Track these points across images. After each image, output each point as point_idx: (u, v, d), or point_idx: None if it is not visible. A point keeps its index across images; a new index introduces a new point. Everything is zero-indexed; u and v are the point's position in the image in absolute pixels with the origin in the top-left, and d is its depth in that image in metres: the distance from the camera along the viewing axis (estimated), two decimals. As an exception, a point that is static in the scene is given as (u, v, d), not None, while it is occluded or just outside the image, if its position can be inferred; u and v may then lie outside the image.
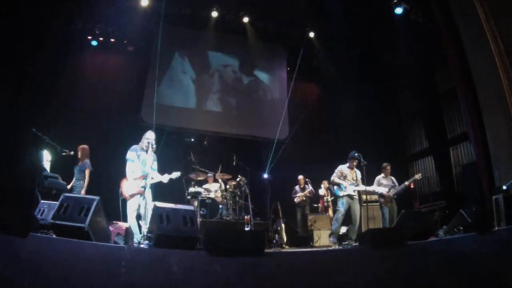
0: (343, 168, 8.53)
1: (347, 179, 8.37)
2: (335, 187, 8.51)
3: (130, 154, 7.23)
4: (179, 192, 10.00)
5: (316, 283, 4.47)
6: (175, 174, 7.51)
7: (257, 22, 12.70)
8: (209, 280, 4.11)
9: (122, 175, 7.45)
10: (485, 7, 8.00)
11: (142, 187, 6.97)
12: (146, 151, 7.19)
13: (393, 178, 9.39)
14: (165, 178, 7.38)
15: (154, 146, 7.32)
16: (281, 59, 14.67)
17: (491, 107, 7.97)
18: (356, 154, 8.39)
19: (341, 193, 8.28)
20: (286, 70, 14.72)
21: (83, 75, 12.48)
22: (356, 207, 8.22)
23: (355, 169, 8.54)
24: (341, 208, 8.16)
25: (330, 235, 8.34)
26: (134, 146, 7.37)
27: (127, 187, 7.01)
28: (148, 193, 7.03)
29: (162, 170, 9.39)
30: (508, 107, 7.46)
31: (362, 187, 8.31)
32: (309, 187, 11.39)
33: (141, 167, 7.18)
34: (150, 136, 7.32)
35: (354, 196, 8.24)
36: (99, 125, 12.19)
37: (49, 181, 7.56)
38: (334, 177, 8.47)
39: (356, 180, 8.42)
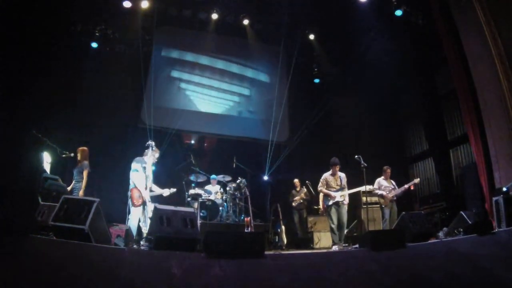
0: (326, 176, 8.79)
1: (331, 186, 8.63)
2: (324, 196, 8.79)
3: (136, 165, 7.72)
4: (179, 194, 10.00)
5: (316, 285, 4.47)
6: (173, 190, 8.36)
7: (257, 24, 12.71)
8: (209, 282, 4.11)
9: (126, 180, 7.89)
10: (485, 9, 8.01)
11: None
12: (153, 164, 7.81)
13: (392, 181, 9.48)
14: (166, 192, 8.13)
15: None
16: (281, 61, 14.65)
17: (491, 108, 7.97)
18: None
19: (329, 203, 8.53)
20: (286, 72, 14.71)
21: (83, 77, 12.47)
22: (343, 211, 8.47)
23: (339, 173, 8.75)
24: (333, 219, 8.41)
25: (332, 245, 8.42)
26: (139, 158, 7.87)
27: (138, 195, 7.53)
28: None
29: (162, 172, 9.44)
30: (507, 108, 7.47)
31: (346, 191, 8.61)
32: (304, 190, 11.40)
33: (145, 178, 7.63)
34: (157, 154, 7.97)
35: (341, 202, 8.48)
36: (99, 127, 12.17)
37: (49, 183, 7.57)
38: (322, 188, 8.74)
39: (341, 185, 8.66)
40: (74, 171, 8.47)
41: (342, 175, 8.77)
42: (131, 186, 7.66)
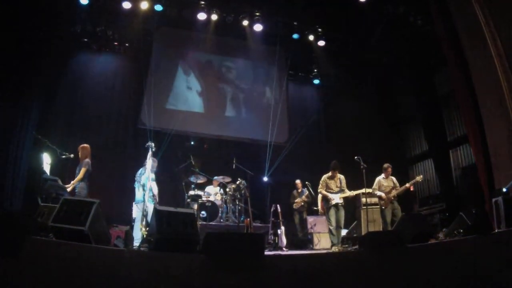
0: (326, 178, 8.94)
1: (330, 188, 8.80)
2: (323, 197, 8.98)
3: (152, 175, 8.54)
4: (179, 195, 10.00)
5: (316, 286, 4.47)
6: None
7: (257, 25, 12.69)
8: (209, 283, 4.11)
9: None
10: (484, 9, 8.01)
11: None
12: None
13: (394, 179, 9.44)
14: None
15: None
16: (281, 62, 14.65)
17: (491, 109, 7.97)
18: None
19: (329, 204, 8.66)
20: (286, 73, 14.71)
21: (83, 78, 12.48)
22: (341, 213, 8.65)
23: (338, 175, 8.91)
24: (332, 221, 8.55)
25: (332, 247, 8.48)
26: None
27: None
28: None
29: (163, 173, 9.45)
30: (507, 109, 7.47)
31: (347, 193, 8.76)
32: (306, 192, 11.40)
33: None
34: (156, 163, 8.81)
35: (340, 204, 8.65)
36: (99, 128, 12.18)
37: (49, 184, 7.54)
38: (321, 190, 8.92)
39: (340, 186, 8.82)
40: (76, 170, 8.40)
41: (341, 177, 8.93)
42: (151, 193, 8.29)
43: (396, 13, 11.53)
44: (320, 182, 8.97)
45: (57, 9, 9.64)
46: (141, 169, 8.69)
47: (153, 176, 8.52)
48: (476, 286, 4.70)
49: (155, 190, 8.48)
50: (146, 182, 8.27)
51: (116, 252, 4.48)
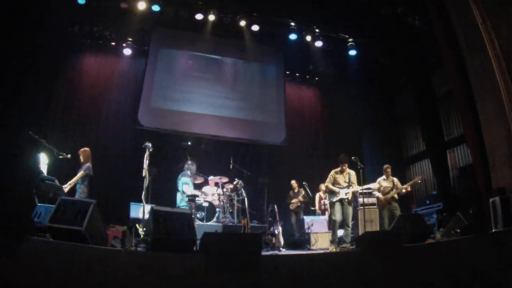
0: (333, 173, 8.71)
1: (338, 183, 8.54)
2: (329, 192, 8.78)
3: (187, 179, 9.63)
4: (176, 195, 9.99)
5: (313, 286, 4.46)
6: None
7: (254, 26, 12.69)
8: (206, 283, 4.10)
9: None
10: (482, 10, 8.01)
11: None
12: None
13: (395, 179, 9.44)
14: None
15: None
16: (278, 62, 14.66)
17: (488, 109, 7.97)
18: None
19: (334, 199, 8.45)
20: (283, 73, 14.72)
21: (80, 78, 12.48)
22: (348, 210, 8.37)
23: (348, 170, 8.65)
24: (336, 218, 8.33)
25: (331, 244, 8.39)
26: (184, 172, 9.92)
27: None
28: None
29: (160, 173, 9.42)
30: (504, 109, 7.47)
31: (356, 188, 8.52)
32: (302, 192, 11.40)
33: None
34: (194, 166, 10.15)
35: (345, 200, 8.38)
36: (96, 128, 12.18)
37: (46, 184, 7.53)
38: (328, 184, 8.68)
39: (349, 182, 8.52)
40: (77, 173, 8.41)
41: (352, 172, 8.67)
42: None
43: (394, 13, 11.53)
44: (328, 176, 8.74)
45: (54, 9, 9.62)
46: (179, 174, 9.46)
47: (187, 180, 9.21)
48: (473, 286, 4.71)
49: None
50: (181, 187, 8.66)
51: (113, 252, 4.47)
